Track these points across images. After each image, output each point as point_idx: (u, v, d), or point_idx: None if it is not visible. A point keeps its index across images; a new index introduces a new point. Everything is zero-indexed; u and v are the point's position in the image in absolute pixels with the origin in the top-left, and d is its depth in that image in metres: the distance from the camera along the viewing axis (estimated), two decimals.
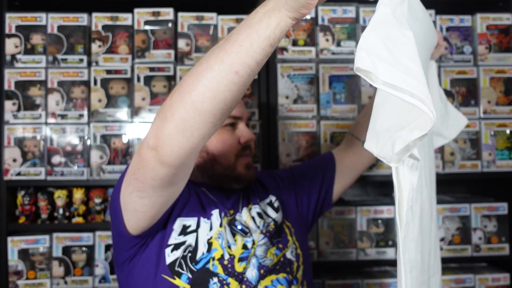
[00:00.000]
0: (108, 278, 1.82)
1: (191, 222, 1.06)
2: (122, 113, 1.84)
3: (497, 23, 1.95)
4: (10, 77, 1.82)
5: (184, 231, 1.04)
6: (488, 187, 2.08)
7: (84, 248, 1.83)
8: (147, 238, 1.03)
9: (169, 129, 0.75)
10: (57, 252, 1.82)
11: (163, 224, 1.04)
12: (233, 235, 1.06)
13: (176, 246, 1.03)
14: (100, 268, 1.83)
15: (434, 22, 1.94)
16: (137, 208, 0.94)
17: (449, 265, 2.00)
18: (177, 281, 1.00)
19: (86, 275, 1.82)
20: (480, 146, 1.90)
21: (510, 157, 1.91)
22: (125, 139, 1.84)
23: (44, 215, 1.86)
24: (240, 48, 0.68)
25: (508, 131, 1.92)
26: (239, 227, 1.06)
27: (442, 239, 1.90)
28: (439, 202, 1.96)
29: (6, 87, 1.81)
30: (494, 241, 1.91)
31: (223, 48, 0.70)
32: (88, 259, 1.83)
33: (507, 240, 1.91)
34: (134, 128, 1.82)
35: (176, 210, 1.06)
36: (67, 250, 1.83)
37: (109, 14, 1.85)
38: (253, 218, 1.12)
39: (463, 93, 1.93)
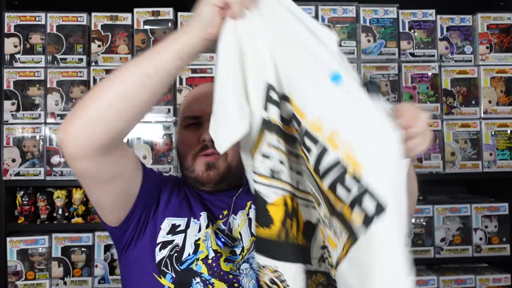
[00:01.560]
0: (108, 279, 1.82)
1: (180, 222, 1.05)
2: None
3: (498, 23, 1.94)
4: (9, 77, 1.81)
5: (173, 230, 1.04)
6: (489, 187, 2.07)
7: (83, 249, 1.83)
8: (134, 231, 1.03)
9: (76, 122, 0.81)
10: (56, 252, 1.81)
11: (147, 216, 1.04)
12: (220, 240, 1.05)
13: (164, 245, 1.03)
14: (100, 268, 1.82)
15: (435, 22, 1.93)
16: (97, 205, 0.99)
17: (449, 265, 2.00)
18: (162, 280, 1.00)
19: (86, 276, 1.82)
20: (481, 146, 1.90)
21: (511, 157, 1.90)
22: (124, 139, 1.83)
23: (43, 215, 1.85)
24: (154, 56, 0.80)
25: (509, 131, 1.91)
26: (222, 239, 1.05)
27: (442, 240, 1.90)
28: (439, 202, 1.95)
29: (5, 86, 1.81)
30: (495, 241, 1.91)
31: (142, 56, 0.82)
32: (87, 260, 1.82)
33: (508, 240, 1.91)
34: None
35: (161, 206, 1.06)
36: (66, 251, 1.82)
37: (108, 14, 1.85)
38: (249, 220, 1.10)
39: (464, 93, 1.92)
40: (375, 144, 0.68)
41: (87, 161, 0.85)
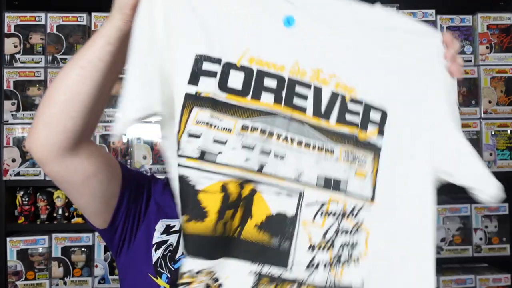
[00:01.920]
0: (108, 279, 1.82)
1: (175, 223, 1.05)
2: None
3: (498, 23, 1.94)
4: (9, 77, 1.81)
5: (168, 230, 1.04)
6: None
7: (83, 249, 1.83)
8: (124, 233, 1.03)
9: (36, 125, 0.82)
10: (56, 252, 1.81)
11: (136, 218, 1.03)
12: None
13: (158, 245, 1.03)
14: (100, 268, 1.82)
15: (435, 22, 1.93)
16: (80, 208, 0.99)
17: (449, 265, 2.00)
18: (158, 281, 1.00)
19: (86, 276, 1.81)
20: (481, 146, 1.90)
21: (511, 157, 1.90)
22: (124, 139, 1.83)
23: (43, 215, 1.85)
24: (87, 47, 0.80)
25: (509, 131, 1.91)
26: None
27: (442, 240, 1.90)
28: (439, 202, 1.95)
29: (5, 86, 1.81)
30: (495, 241, 1.91)
31: (80, 49, 0.83)
32: (87, 260, 1.82)
33: (508, 240, 1.91)
34: (133, 128, 1.82)
35: (153, 208, 1.05)
36: (66, 251, 1.82)
37: (108, 14, 1.84)
38: None
39: (464, 93, 1.92)
40: (351, 64, 0.72)
41: (55, 164, 0.85)
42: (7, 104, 1.80)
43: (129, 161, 1.84)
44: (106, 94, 0.85)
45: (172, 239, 1.03)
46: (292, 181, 0.67)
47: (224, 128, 0.65)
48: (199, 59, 0.66)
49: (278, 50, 0.69)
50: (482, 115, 1.91)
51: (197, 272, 0.64)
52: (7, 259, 1.78)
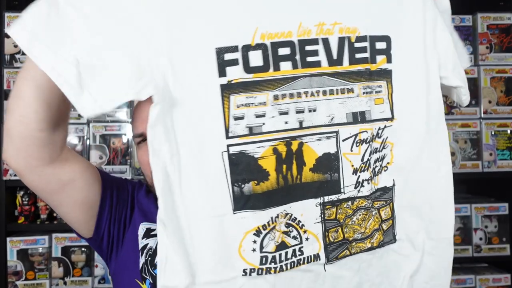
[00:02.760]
0: (108, 279, 1.82)
1: (155, 226, 1.05)
2: (122, 113, 1.83)
3: (498, 23, 1.94)
4: (9, 77, 1.81)
5: (147, 234, 1.03)
6: (489, 187, 2.07)
7: (83, 249, 1.83)
8: (111, 240, 1.02)
9: (4, 137, 0.82)
10: (57, 252, 1.81)
11: (122, 224, 1.03)
12: None
13: (141, 250, 1.02)
14: (100, 268, 1.82)
15: None
16: (63, 218, 0.98)
17: None
18: (144, 286, 1.00)
19: (86, 276, 1.82)
20: (481, 146, 1.90)
21: (511, 157, 1.90)
22: (124, 139, 1.83)
23: (43, 215, 1.85)
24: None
25: (509, 131, 1.91)
26: None
27: None
28: None
29: (5, 86, 1.81)
30: (495, 241, 1.91)
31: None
32: (87, 260, 1.82)
33: (508, 240, 1.91)
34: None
35: (136, 213, 1.04)
36: (66, 251, 1.82)
37: None
38: None
39: None
40: (348, 6, 0.80)
41: (30, 174, 0.85)
42: (7, 104, 1.80)
43: (129, 161, 1.84)
44: (57, 98, 0.79)
45: (151, 242, 1.02)
46: (327, 126, 0.79)
47: (260, 103, 0.76)
48: (220, 52, 0.74)
49: (282, 19, 0.76)
50: (482, 115, 1.91)
51: (276, 217, 0.78)
52: (7, 259, 1.78)
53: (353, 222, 0.83)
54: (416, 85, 0.85)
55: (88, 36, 0.70)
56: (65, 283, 1.81)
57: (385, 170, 0.85)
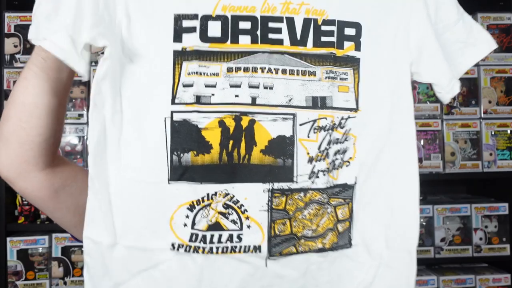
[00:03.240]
0: None
1: None
2: None
3: (498, 23, 1.94)
4: (9, 77, 1.81)
5: None
6: (489, 187, 2.07)
7: (83, 249, 1.82)
8: None
9: None
10: (57, 252, 1.81)
11: None
12: None
13: None
14: None
15: None
16: (59, 223, 0.99)
17: (449, 265, 2.00)
18: None
19: None
20: (481, 146, 1.90)
21: (511, 157, 1.90)
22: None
23: (43, 216, 1.85)
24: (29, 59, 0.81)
25: (509, 131, 1.91)
26: None
27: (442, 240, 1.90)
28: (439, 202, 1.96)
29: (5, 86, 1.81)
30: (495, 241, 1.91)
31: None
32: None
33: (508, 240, 1.91)
34: None
35: None
36: (66, 251, 1.82)
37: None
38: None
39: (464, 93, 1.92)
40: None
41: (23, 180, 0.84)
42: (4, 111, 1.80)
43: None
44: (57, 105, 0.82)
45: None
46: (284, 107, 0.76)
47: (212, 74, 0.74)
48: (178, 18, 0.74)
49: None
50: (482, 115, 1.91)
51: (213, 195, 0.74)
52: (7, 259, 1.78)
53: (303, 217, 0.77)
54: (384, 77, 0.80)
55: None
56: (65, 283, 1.81)
57: (346, 165, 0.79)
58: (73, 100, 1.83)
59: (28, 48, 1.83)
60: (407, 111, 0.81)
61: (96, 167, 0.75)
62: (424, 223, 1.92)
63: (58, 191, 0.89)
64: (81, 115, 1.82)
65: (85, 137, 1.82)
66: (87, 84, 1.84)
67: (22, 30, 1.84)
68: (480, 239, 1.90)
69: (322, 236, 0.78)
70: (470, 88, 1.93)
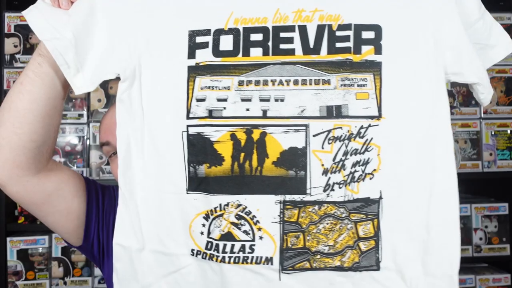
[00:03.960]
0: None
1: None
2: None
3: (498, 23, 1.94)
4: (9, 77, 1.81)
5: None
6: (489, 187, 2.07)
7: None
8: (101, 246, 1.02)
9: None
10: (57, 252, 1.81)
11: (111, 230, 1.03)
12: None
13: None
14: None
15: None
16: (51, 228, 0.98)
17: None
18: None
19: (86, 276, 1.82)
20: (481, 146, 1.90)
21: (511, 157, 1.90)
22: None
23: None
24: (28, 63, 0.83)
25: (509, 131, 1.91)
26: None
27: None
28: None
29: (5, 86, 1.81)
30: (495, 241, 1.91)
31: None
32: (87, 260, 1.82)
33: (508, 240, 1.91)
34: None
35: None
36: (66, 251, 1.82)
37: None
38: None
39: (464, 93, 1.92)
40: None
41: (15, 185, 0.85)
42: None
43: None
44: (52, 111, 0.83)
45: None
46: (296, 118, 0.75)
47: (223, 87, 0.76)
48: (192, 35, 0.76)
49: (259, 4, 0.76)
50: (482, 115, 1.91)
51: (225, 205, 0.76)
52: (7, 259, 1.78)
53: (318, 231, 0.75)
54: (413, 81, 0.75)
55: (81, 15, 0.76)
56: (65, 283, 1.81)
57: (370, 178, 0.74)
58: (73, 100, 1.83)
59: (28, 48, 1.83)
60: (443, 117, 0.76)
61: (125, 178, 0.79)
62: None
63: (50, 195, 0.90)
64: (81, 115, 1.82)
65: (85, 137, 1.82)
66: None
67: (22, 30, 1.84)
68: (480, 239, 1.90)
69: (341, 253, 0.75)
70: (470, 88, 1.92)
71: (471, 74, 0.78)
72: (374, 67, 0.75)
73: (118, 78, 0.79)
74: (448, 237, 0.75)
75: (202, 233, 0.78)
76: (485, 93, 0.81)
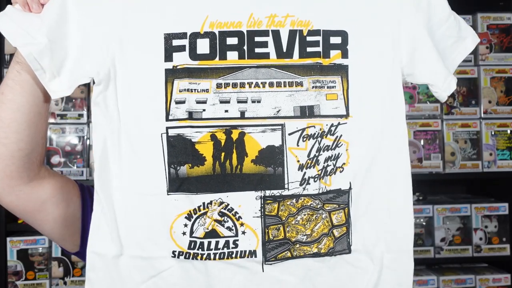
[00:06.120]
0: None
1: None
2: None
3: (498, 23, 1.94)
4: None
5: None
6: (489, 187, 2.07)
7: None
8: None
9: None
10: (57, 252, 1.81)
11: None
12: None
13: None
14: None
15: None
16: (47, 236, 0.99)
17: (449, 265, 2.00)
18: None
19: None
20: (481, 146, 1.90)
21: (511, 157, 1.90)
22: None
23: None
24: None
25: (509, 131, 1.91)
26: None
27: (442, 240, 1.90)
28: (439, 202, 1.96)
29: None
30: (495, 241, 1.91)
31: None
32: None
33: (508, 240, 1.91)
34: None
35: None
36: None
37: None
38: None
39: (464, 93, 1.92)
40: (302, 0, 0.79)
41: (8, 195, 0.85)
42: None
43: None
44: (37, 118, 0.83)
45: None
46: (272, 118, 0.79)
47: (202, 90, 0.78)
48: (168, 38, 0.77)
49: (233, 9, 0.78)
50: (482, 115, 1.91)
51: (209, 204, 0.78)
52: (7, 259, 1.78)
53: (296, 222, 0.81)
54: (375, 82, 0.81)
55: (54, 18, 0.76)
56: (65, 283, 1.81)
57: (340, 171, 0.81)
58: (73, 100, 1.83)
59: None
60: (398, 114, 0.83)
61: (101, 182, 0.79)
62: (424, 223, 1.92)
63: (44, 203, 0.89)
64: (81, 115, 1.82)
65: (85, 137, 1.82)
66: (87, 85, 1.84)
67: None
68: (480, 239, 1.90)
69: (317, 241, 0.81)
70: (470, 88, 1.93)
71: (422, 75, 0.84)
72: (341, 70, 0.80)
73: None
74: (405, 219, 0.83)
75: (184, 233, 0.78)
76: (439, 92, 0.85)
